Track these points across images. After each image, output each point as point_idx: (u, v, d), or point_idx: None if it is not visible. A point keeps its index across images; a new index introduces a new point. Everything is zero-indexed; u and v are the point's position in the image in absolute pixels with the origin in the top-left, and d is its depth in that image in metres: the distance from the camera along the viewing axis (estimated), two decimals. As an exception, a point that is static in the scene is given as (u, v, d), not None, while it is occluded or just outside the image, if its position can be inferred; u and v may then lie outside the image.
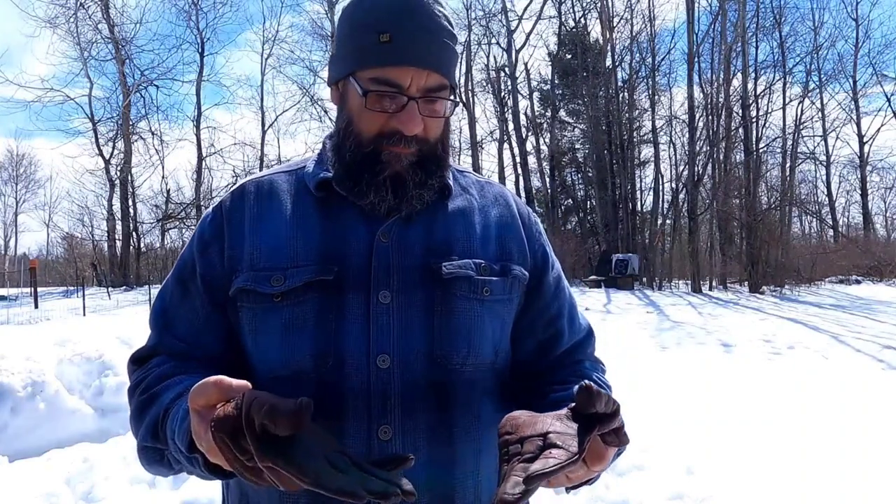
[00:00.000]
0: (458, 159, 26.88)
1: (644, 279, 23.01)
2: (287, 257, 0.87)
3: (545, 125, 30.04)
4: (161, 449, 0.79)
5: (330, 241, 0.87)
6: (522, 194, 26.45)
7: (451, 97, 0.88)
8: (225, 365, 0.88)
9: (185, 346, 0.89)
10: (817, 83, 27.46)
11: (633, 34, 26.06)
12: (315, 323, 0.84)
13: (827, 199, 30.20)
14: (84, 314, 12.85)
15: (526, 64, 28.70)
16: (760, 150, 24.34)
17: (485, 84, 28.72)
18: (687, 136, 23.26)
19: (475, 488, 0.87)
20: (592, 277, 21.98)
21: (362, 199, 0.88)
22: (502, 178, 27.78)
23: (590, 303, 14.79)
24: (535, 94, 30.03)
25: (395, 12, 0.83)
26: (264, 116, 28.20)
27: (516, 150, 27.70)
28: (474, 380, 0.88)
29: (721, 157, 23.11)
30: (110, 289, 21.21)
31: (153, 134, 25.78)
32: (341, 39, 0.88)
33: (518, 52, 27.33)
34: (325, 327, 0.84)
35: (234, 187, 0.97)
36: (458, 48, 0.91)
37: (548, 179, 28.72)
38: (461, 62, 20.95)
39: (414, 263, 0.87)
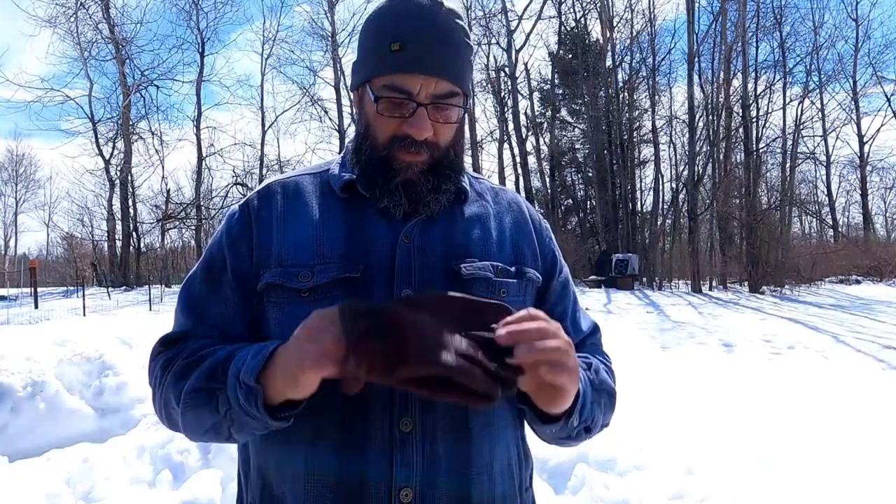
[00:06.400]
0: (458, 159, 26.75)
1: (644, 279, 23.00)
2: (314, 255, 0.90)
3: (545, 125, 30.04)
4: (214, 389, 0.82)
5: (355, 241, 0.91)
6: (522, 194, 26.25)
7: (462, 105, 0.91)
8: None
9: (217, 333, 0.92)
10: (817, 83, 27.49)
11: (634, 34, 26.09)
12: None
13: (827, 199, 30.24)
14: (84, 314, 12.84)
15: (526, 64, 28.70)
16: (760, 150, 24.33)
17: (485, 84, 28.68)
18: (687, 136, 23.27)
19: (489, 482, 0.90)
20: (592, 277, 21.99)
21: (379, 203, 0.92)
22: (502, 179, 27.79)
23: (590, 303, 14.78)
24: (535, 94, 30.06)
25: (409, 22, 0.87)
26: (264, 116, 28.25)
27: (516, 150, 27.70)
28: None
29: (721, 157, 23.10)
30: (110, 289, 21.24)
31: (153, 134, 25.86)
32: (362, 46, 0.93)
33: (518, 52, 27.30)
34: None
35: (260, 187, 1.00)
36: (472, 57, 0.95)
37: (548, 179, 28.72)
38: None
39: (435, 264, 0.91)
